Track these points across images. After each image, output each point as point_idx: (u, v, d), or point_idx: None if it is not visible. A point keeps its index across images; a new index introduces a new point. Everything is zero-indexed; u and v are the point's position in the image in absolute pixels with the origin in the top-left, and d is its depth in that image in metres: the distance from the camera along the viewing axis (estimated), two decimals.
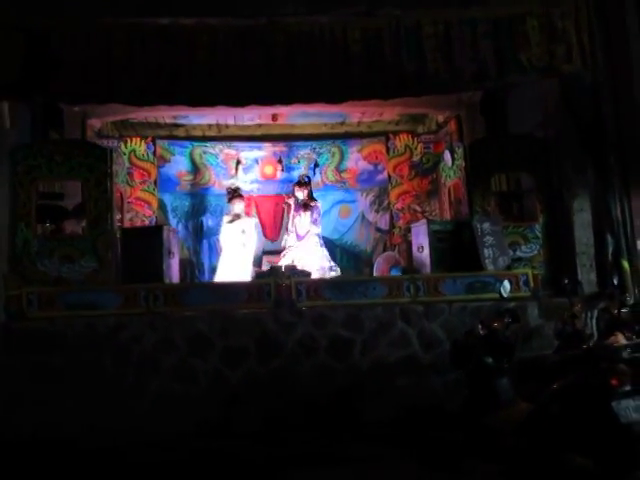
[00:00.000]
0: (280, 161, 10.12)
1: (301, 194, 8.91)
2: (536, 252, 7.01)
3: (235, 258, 8.47)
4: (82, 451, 5.36)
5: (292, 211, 8.95)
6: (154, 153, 9.90)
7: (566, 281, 6.01)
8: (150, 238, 6.94)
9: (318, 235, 8.74)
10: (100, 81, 6.27)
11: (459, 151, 7.43)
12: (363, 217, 10.30)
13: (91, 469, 4.95)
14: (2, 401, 5.74)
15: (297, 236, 8.72)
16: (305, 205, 8.81)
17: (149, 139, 9.91)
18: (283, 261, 8.38)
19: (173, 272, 7.11)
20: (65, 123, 8.26)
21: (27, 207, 6.53)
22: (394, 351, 6.23)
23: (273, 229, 10.06)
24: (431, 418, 5.69)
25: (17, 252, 6.44)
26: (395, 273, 7.83)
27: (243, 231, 8.63)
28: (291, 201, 9.04)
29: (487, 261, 6.68)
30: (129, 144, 9.81)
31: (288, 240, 8.84)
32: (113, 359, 6.01)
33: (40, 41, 6.19)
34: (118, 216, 7.78)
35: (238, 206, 8.78)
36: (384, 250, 9.66)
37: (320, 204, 9.07)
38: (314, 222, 8.73)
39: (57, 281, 6.41)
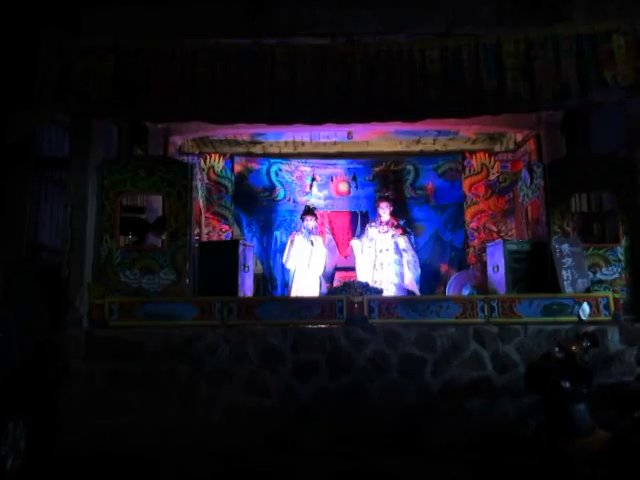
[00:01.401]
0: (354, 178, 10.29)
1: (387, 212, 8.95)
2: (618, 275, 6.76)
3: (304, 274, 8.62)
4: (152, 457, 5.57)
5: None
6: (232, 169, 10.25)
7: None
8: (226, 252, 7.17)
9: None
10: (183, 99, 6.49)
11: (538, 170, 7.31)
12: (437, 236, 10.28)
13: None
14: (82, 404, 6.02)
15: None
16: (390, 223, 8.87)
17: (227, 156, 10.28)
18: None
19: (247, 286, 7.30)
20: (149, 140, 8.69)
21: (112, 219, 6.81)
22: (466, 372, 6.15)
23: (346, 245, 10.15)
24: (504, 442, 5.59)
25: (101, 262, 6.72)
26: (466, 292, 7.76)
27: (308, 248, 8.78)
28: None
29: (565, 283, 6.52)
30: (208, 160, 10.19)
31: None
32: (188, 369, 6.19)
33: (128, 61, 6.49)
34: (196, 230, 8.05)
35: (309, 223, 8.94)
36: (459, 269, 9.57)
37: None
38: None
39: (137, 292, 6.65)
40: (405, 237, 8.75)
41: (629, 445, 4.16)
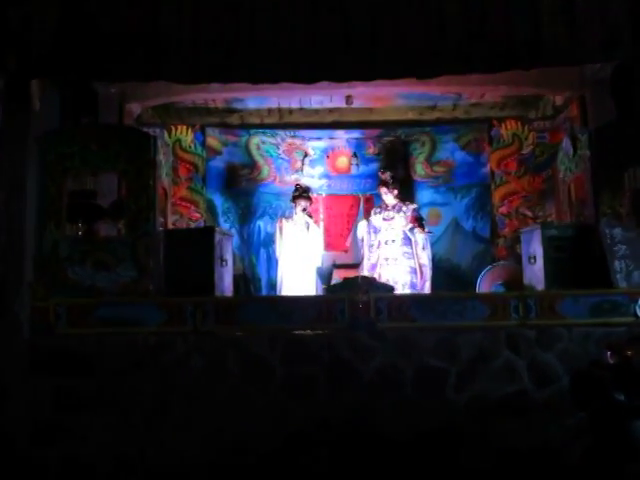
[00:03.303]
0: (355, 154, 10.29)
1: (390, 196, 8.92)
2: None
3: (297, 268, 8.62)
4: None
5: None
6: (203, 144, 10.22)
7: None
8: (199, 242, 7.17)
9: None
10: (144, 54, 6.52)
11: (583, 138, 7.35)
12: (457, 224, 10.27)
13: None
14: (26, 431, 6.02)
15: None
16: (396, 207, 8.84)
17: (197, 127, 10.23)
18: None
19: (225, 283, 7.31)
20: (100, 108, 8.63)
21: (57, 203, 6.78)
22: (498, 386, 6.21)
23: (345, 237, 10.17)
24: (545, 470, 5.64)
25: (44, 257, 6.69)
26: (497, 289, 7.83)
27: (302, 234, 8.78)
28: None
29: (618, 276, 6.58)
30: (173, 133, 10.12)
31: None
32: (153, 386, 6.21)
33: (76, 7, 6.50)
34: (161, 220, 8.04)
35: (302, 203, 8.94)
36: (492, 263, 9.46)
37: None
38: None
39: (90, 291, 6.63)
40: (425, 235, 8.74)
41: None
